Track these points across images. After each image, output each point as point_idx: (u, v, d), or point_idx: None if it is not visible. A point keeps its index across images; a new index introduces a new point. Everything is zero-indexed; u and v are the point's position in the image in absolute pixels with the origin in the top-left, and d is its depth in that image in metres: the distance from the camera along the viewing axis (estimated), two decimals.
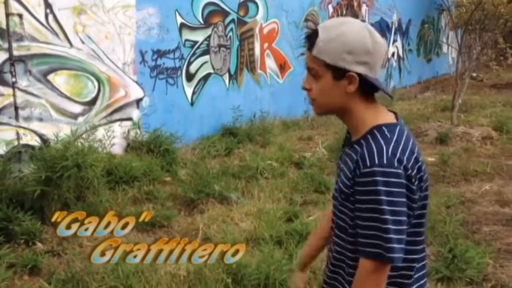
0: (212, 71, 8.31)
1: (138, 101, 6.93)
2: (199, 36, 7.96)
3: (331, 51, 1.57)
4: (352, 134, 1.69)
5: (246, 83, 9.18)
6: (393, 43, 15.89)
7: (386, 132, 1.59)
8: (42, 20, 5.60)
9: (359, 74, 1.58)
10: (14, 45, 5.32)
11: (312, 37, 1.62)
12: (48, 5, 5.64)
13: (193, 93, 7.97)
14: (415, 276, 1.67)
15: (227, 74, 8.67)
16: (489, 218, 5.36)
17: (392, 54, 15.93)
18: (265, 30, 9.57)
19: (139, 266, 3.80)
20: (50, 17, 5.68)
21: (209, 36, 8.15)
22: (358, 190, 1.56)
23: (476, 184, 6.55)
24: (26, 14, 5.42)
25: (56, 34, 5.75)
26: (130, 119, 6.80)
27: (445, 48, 20.33)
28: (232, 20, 8.66)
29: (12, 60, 5.30)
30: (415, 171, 1.56)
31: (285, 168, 6.90)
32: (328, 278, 1.82)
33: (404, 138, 1.59)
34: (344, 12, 12.57)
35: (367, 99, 1.64)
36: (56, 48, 5.75)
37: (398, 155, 1.54)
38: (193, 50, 7.86)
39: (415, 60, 17.68)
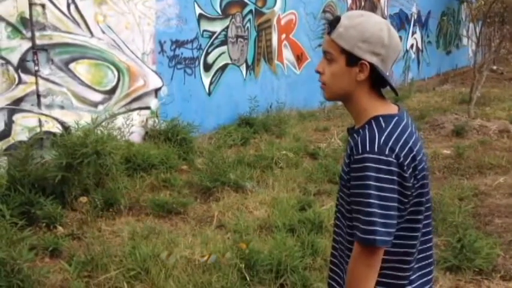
0: (229, 62, 8.40)
1: (156, 91, 7.06)
2: (217, 27, 8.04)
3: (349, 37, 1.66)
4: (355, 122, 1.77)
5: (263, 74, 9.26)
6: (412, 35, 15.80)
7: (382, 122, 1.67)
8: (64, 10, 5.73)
9: (371, 64, 1.66)
10: (37, 34, 5.46)
11: (334, 22, 1.70)
12: None
13: (211, 83, 8.07)
14: (417, 265, 1.74)
15: (244, 65, 8.75)
16: (502, 211, 5.39)
17: (411, 46, 15.85)
18: (282, 21, 9.62)
19: (156, 250, 3.93)
20: (72, 7, 5.80)
21: (227, 27, 8.23)
22: (352, 176, 1.64)
23: (491, 177, 6.56)
24: (48, 4, 5.55)
25: (78, 24, 5.88)
26: (148, 108, 6.93)
27: (465, 41, 20.12)
28: (250, 11, 8.72)
29: (35, 49, 5.44)
30: (408, 159, 1.63)
31: (300, 158, 6.98)
32: (331, 262, 1.91)
33: (400, 129, 1.66)
34: (363, 3, 12.54)
35: (373, 91, 1.72)
36: (77, 38, 5.88)
37: (390, 144, 1.61)
38: (211, 40, 7.96)
39: (434, 53, 17.56)
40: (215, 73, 8.13)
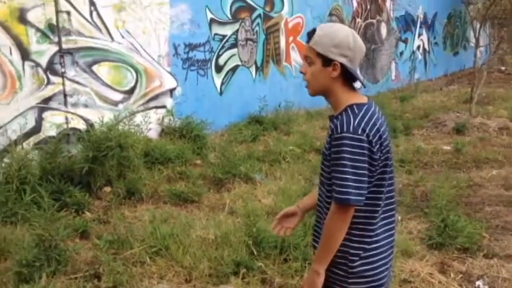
0: (240, 63, 8.88)
1: (171, 91, 7.57)
2: (227, 31, 8.54)
3: (323, 44, 2.14)
4: (334, 111, 2.24)
5: (272, 75, 9.73)
6: (419, 36, 16.17)
7: (355, 109, 2.13)
8: (87, 16, 6.25)
9: (341, 64, 2.13)
10: (63, 39, 5.98)
11: (311, 33, 2.20)
12: (92, 3, 6.29)
13: (222, 83, 8.56)
14: (381, 216, 2.19)
15: (254, 66, 9.24)
16: (492, 200, 5.80)
17: (418, 48, 16.23)
18: (290, 25, 10.08)
19: (174, 230, 4.41)
20: (94, 13, 6.33)
21: (237, 31, 8.72)
22: (332, 151, 2.11)
23: (486, 170, 6.95)
24: (73, 11, 6.08)
25: (99, 29, 6.40)
26: (164, 106, 7.45)
27: (473, 42, 20.39)
28: (259, 15, 9.20)
29: (61, 52, 5.97)
30: (376, 138, 2.09)
31: (306, 153, 7.44)
32: (316, 222, 2.37)
33: (369, 114, 2.13)
34: (368, 6, 12.96)
35: (346, 85, 2.19)
36: (99, 42, 6.40)
37: (362, 125, 2.07)
38: (222, 43, 8.45)
39: (441, 54, 17.90)
40: (226, 74, 8.62)
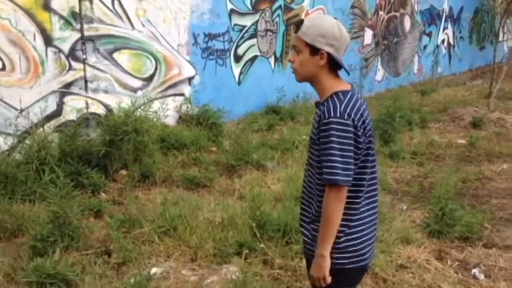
0: (259, 54, 9.02)
1: (190, 79, 7.76)
2: (247, 21, 8.67)
3: (310, 34, 2.28)
4: (319, 97, 2.38)
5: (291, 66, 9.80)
6: (443, 30, 16.03)
7: (340, 96, 2.28)
8: (109, 5, 6.46)
9: (328, 53, 2.27)
10: (85, 26, 6.20)
11: (299, 24, 2.34)
12: None
13: (241, 73, 8.72)
14: (364, 196, 2.34)
15: (273, 57, 9.36)
16: (500, 193, 5.85)
17: (442, 42, 16.10)
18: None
19: (183, 211, 4.60)
20: (116, 2, 6.53)
21: (257, 21, 8.85)
22: (321, 135, 2.25)
23: (498, 164, 6.98)
24: (95, 0, 6.28)
25: (121, 18, 6.61)
26: (182, 94, 7.64)
27: (501, 36, 20.06)
28: (279, 6, 9.31)
29: (83, 39, 6.19)
30: (360, 122, 2.24)
31: None
32: (302, 203, 2.51)
33: (353, 100, 2.27)
34: None
35: (332, 73, 2.34)
36: (120, 30, 6.61)
37: (348, 111, 2.22)
38: (242, 33, 8.59)
39: (467, 48, 17.69)
40: (245, 64, 8.77)
